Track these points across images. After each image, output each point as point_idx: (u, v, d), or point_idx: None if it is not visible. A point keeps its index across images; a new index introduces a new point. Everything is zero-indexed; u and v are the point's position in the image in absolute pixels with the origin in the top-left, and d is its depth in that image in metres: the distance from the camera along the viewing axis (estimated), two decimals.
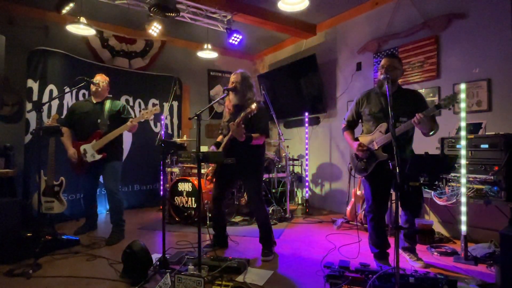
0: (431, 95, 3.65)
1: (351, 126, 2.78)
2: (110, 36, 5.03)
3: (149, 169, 5.08)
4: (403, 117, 2.39)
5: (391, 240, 2.72)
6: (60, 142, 3.31)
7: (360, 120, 2.74)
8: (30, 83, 3.96)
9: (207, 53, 5.10)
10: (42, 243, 2.67)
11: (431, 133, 2.37)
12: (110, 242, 3.14)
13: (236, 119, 2.62)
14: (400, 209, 2.50)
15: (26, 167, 3.86)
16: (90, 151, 3.23)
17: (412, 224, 2.58)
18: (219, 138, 3.00)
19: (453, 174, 2.88)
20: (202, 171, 3.74)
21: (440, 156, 2.90)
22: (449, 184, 2.92)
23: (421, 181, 2.37)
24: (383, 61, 2.50)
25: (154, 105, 5.24)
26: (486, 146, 2.73)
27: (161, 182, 4.62)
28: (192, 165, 4.31)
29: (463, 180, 2.71)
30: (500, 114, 3.13)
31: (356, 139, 2.65)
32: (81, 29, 3.97)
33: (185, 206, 3.96)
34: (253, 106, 2.54)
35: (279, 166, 4.73)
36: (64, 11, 3.63)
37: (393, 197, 3.10)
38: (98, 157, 3.23)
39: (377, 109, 2.52)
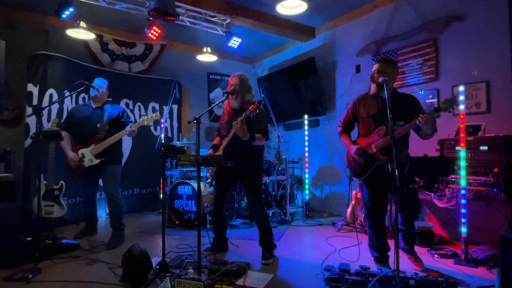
0: (430, 97, 3.65)
1: (347, 128, 2.79)
2: (109, 40, 5.05)
3: (149, 172, 5.08)
4: (400, 121, 2.40)
5: (391, 242, 2.71)
6: (60, 146, 3.31)
7: (356, 123, 2.74)
8: (30, 87, 3.97)
9: (207, 57, 5.12)
10: (42, 248, 2.68)
11: (434, 134, 2.36)
12: (110, 246, 3.14)
13: (236, 120, 2.62)
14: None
15: (26, 171, 3.86)
16: (88, 155, 3.24)
17: (410, 227, 2.56)
18: (216, 140, 3.00)
19: (452, 176, 2.88)
20: (203, 173, 3.74)
21: (439, 158, 2.90)
22: (449, 186, 2.92)
23: (420, 184, 2.37)
24: (375, 66, 2.52)
25: (154, 110, 5.26)
26: (486, 148, 2.73)
27: (161, 186, 4.62)
28: (192, 169, 4.31)
29: (463, 182, 2.71)
30: (499, 115, 3.13)
31: (354, 142, 2.65)
32: (81, 33, 3.99)
33: (185, 209, 3.95)
34: (255, 106, 2.54)
35: (279, 168, 4.72)
36: (63, 16, 3.64)
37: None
38: (96, 161, 3.23)
39: (374, 111, 2.53)
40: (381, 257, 2.57)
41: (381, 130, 2.46)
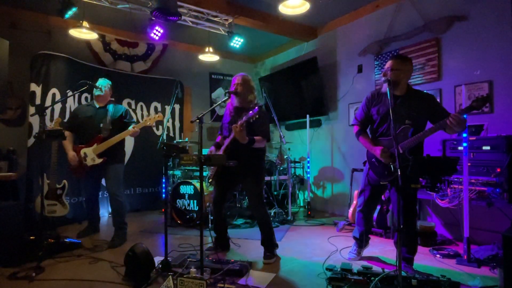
0: None
1: (364, 128, 2.68)
2: (112, 40, 5.07)
3: (151, 172, 5.09)
4: (409, 120, 2.35)
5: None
6: (63, 145, 3.33)
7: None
8: (33, 87, 3.99)
9: (209, 56, 5.12)
10: (44, 246, 2.69)
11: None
12: (113, 245, 3.15)
13: (238, 121, 2.63)
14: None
15: (29, 170, 3.87)
16: (91, 155, 3.24)
17: (409, 228, 2.46)
18: (219, 139, 3.01)
19: (455, 176, 2.88)
20: (205, 173, 3.74)
21: (441, 158, 2.90)
22: (451, 186, 2.92)
23: (423, 183, 2.36)
24: (388, 63, 2.44)
25: (156, 109, 5.27)
26: (488, 147, 2.73)
27: (163, 185, 4.63)
28: (194, 168, 4.32)
29: (465, 182, 2.70)
30: (502, 115, 3.13)
31: (375, 143, 2.53)
32: (84, 33, 4.00)
33: (187, 208, 3.96)
34: (255, 110, 2.53)
35: (281, 168, 4.73)
36: (66, 16, 3.66)
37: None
38: (98, 161, 3.24)
39: (385, 110, 2.48)
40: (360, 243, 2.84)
41: (406, 130, 2.37)
